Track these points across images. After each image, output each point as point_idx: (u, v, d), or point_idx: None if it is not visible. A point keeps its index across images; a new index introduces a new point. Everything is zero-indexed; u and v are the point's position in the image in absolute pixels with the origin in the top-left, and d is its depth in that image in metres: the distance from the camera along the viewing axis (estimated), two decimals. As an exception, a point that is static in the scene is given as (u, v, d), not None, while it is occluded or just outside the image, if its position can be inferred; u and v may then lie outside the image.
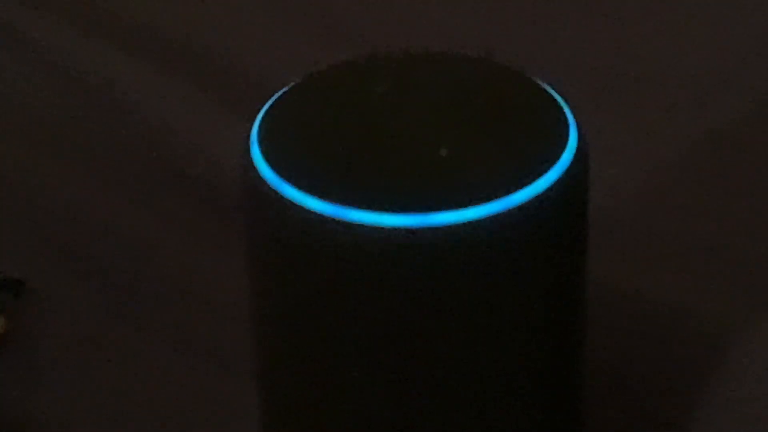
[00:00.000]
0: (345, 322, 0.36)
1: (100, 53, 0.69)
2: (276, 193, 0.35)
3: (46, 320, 0.54)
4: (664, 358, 0.51)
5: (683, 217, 0.59)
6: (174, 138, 0.64)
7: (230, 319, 0.48)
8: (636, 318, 0.52)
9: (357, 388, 0.37)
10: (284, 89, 0.41)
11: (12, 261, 0.57)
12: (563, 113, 0.38)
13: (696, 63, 0.70)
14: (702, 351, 0.51)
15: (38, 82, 0.68)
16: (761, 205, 0.60)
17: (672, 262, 0.57)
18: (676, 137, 0.64)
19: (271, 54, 0.68)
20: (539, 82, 0.40)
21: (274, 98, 0.40)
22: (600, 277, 0.42)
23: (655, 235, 0.58)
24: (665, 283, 0.55)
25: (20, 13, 0.73)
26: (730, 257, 0.56)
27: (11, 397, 0.49)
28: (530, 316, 0.37)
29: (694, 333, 0.52)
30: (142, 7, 0.73)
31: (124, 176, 0.62)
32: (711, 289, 0.54)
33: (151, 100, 0.66)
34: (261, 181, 0.36)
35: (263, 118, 0.39)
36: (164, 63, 0.68)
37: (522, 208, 0.34)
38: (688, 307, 0.53)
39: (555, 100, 0.39)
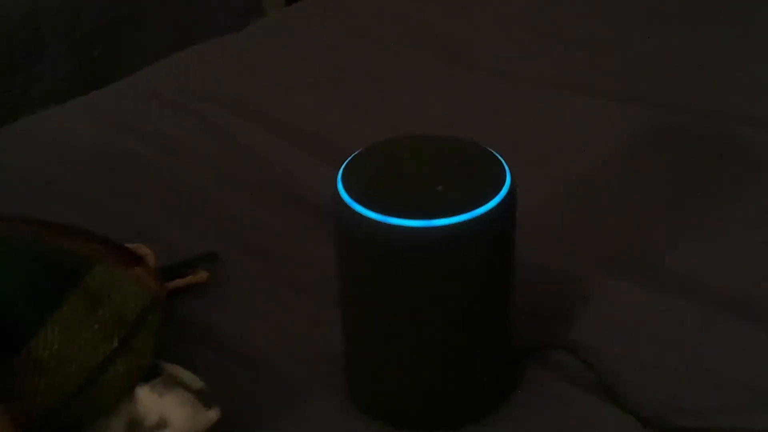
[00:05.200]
0: (385, 275, 0.61)
1: (256, 136, 1.07)
2: (349, 207, 0.60)
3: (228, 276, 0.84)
4: (556, 297, 0.79)
5: (564, 222, 0.90)
6: (296, 180, 0.99)
7: (328, 274, 0.72)
8: (535, 274, 0.79)
9: (384, 311, 0.62)
10: (353, 154, 0.66)
11: (205, 245, 0.87)
12: (503, 166, 0.63)
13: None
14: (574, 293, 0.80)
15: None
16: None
17: (557, 244, 0.86)
18: (560, 180, 0.96)
19: (346, 133, 1.05)
20: (489, 149, 0.65)
21: (349, 158, 0.65)
22: (519, 252, 0.67)
23: (547, 230, 0.88)
24: (551, 256, 0.84)
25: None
26: (592, 245, 0.86)
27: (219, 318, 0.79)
28: (488, 271, 0.63)
29: (565, 286, 0.81)
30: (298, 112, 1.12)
31: (274, 199, 0.96)
32: (580, 261, 0.84)
33: (283, 160, 1.02)
34: (341, 201, 0.61)
35: (344, 168, 0.64)
36: (292, 140, 1.06)
37: (480, 218, 0.59)
38: (566, 270, 0.82)
39: (498, 159, 0.64)
